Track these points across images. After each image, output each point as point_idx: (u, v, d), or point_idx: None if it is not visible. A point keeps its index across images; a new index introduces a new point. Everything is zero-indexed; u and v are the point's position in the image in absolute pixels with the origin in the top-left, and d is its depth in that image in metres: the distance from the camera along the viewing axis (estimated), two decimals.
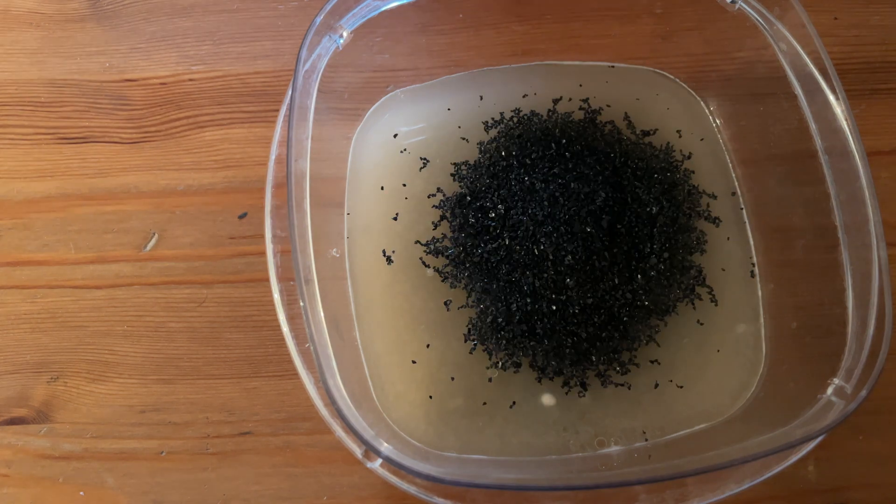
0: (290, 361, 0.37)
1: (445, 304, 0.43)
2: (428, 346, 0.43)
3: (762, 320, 0.44)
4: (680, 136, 0.47)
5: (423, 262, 0.44)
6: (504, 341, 0.42)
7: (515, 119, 0.47)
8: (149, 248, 0.47)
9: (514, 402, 0.42)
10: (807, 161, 0.40)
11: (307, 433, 0.43)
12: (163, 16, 0.50)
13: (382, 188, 0.46)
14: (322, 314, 0.36)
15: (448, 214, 0.44)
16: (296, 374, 0.37)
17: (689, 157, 0.47)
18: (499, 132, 0.46)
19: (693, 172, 0.46)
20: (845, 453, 0.43)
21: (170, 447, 0.44)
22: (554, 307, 0.41)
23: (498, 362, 0.42)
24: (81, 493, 0.43)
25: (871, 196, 0.37)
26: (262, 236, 0.40)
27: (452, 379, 0.42)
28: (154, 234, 0.47)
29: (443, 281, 0.43)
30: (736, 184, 0.46)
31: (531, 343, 0.41)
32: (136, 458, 0.43)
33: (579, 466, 0.40)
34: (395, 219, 0.45)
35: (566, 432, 0.42)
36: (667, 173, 0.45)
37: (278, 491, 0.43)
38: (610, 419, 0.42)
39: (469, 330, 0.43)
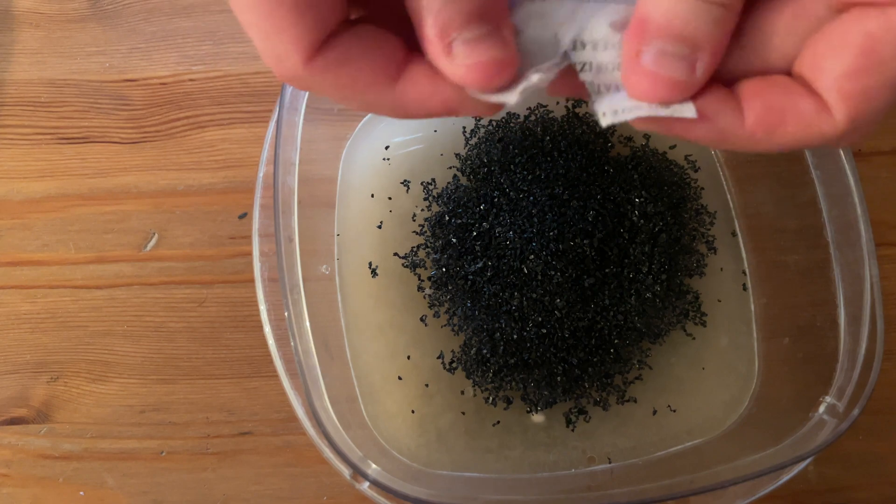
0: (291, 361, 0.37)
1: (421, 319, 0.43)
2: (408, 357, 0.42)
3: (755, 335, 0.44)
4: (673, 148, 0.46)
5: (419, 281, 0.43)
6: (491, 374, 0.41)
7: (494, 123, 0.45)
8: (149, 248, 0.47)
9: (504, 419, 0.42)
10: (798, 174, 0.40)
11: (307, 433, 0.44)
12: (163, 16, 0.50)
13: (372, 195, 0.45)
14: (310, 336, 0.36)
15: (429, 234, 0.44)
16: (295, 374, 0.37)
17: (697, 170, 0.46)
18: (478, 139, 0.45)
19: (703, 189, 0.45)
20: (845, 453, 0.43)
21: (170, 447, 0.44)
22: (544, 330, 0.40)
23: (488, 398, 0.42)
24: (81, 493, 0.43)
25: (862, 214, 0.37)
26: (263, 235, 0.40)
27: (429, 389, 0.42)
28: (154, 234, 0.47)
29: (429, 307, 0.43)
30: (728, 197, 0.46)
31: (520, 376, 0.41)
32: (136, 458, 0.43)
33: (570, 484, 0.40)
34: (380, 227, 0.44)
35: (556, 448, 0.41)
36: (676, 188, 0.44)
37: (278, 491, 0.43)
38: (601, 436, 0.41)
39: (452, 360, 0.42)
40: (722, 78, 0.20)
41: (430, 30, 0.19)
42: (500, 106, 0.21)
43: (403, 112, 0.21)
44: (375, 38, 0.20)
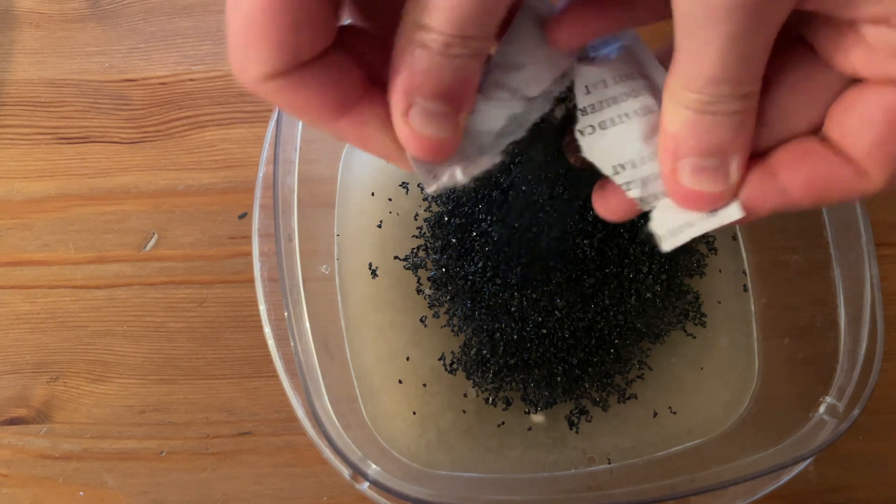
0: (291, 361, 0.37)
1: (421, 320, 0.43)
2: (408, 358, 0.42)
3: (755, 335, 0.44)
4: None
5: (418, 283, 0.43)
6: (491, 374, 0.41)
7: None
8: (149, 248, 0.47)
9: (504, 419, 0.42)
10: None
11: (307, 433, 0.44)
12: (163, 16, 0.50)
13: (373, 194, 0.45)
14: (310, 336, 0.36)
15: (428, 234, 0.44)
16: (295, 374, 0.37)
17: None
18: None
19: None
20: (845, 453, 0.43)
21: (170, 447, 0.44)
22: (544, 331, 0.40)
23: (488, 398, 0.42)
24: (81, 493, 0.43)
25: (862, 214, 0.37)
26: (263, 235, 0.40)
27: (429, 389, 0.42)
28: (154, 234, 0.47)
29: (429, 308, 0.43)
30: None
31: (520, 376, 0.41)
32: (136, 458, 0.43)
33: (570, 484, 0.40)
34: (380, 226, 0.44)
35: (556, 448, 0.41)
36: None
37: (278, 491, 0.43)
38: (601, 436, 0.41)
39: (453, 362, 0.42)
40: (759, 145, 0.21)
41: (401, 83, 0.19)
42: None
43: (340, 140, 0.21)
44: (339, 72, 0.20)
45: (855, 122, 0.20)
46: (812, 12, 0.19)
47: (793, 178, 0.21)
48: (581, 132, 0.22)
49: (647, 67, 0.22)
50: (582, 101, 0.22)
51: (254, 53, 0.18)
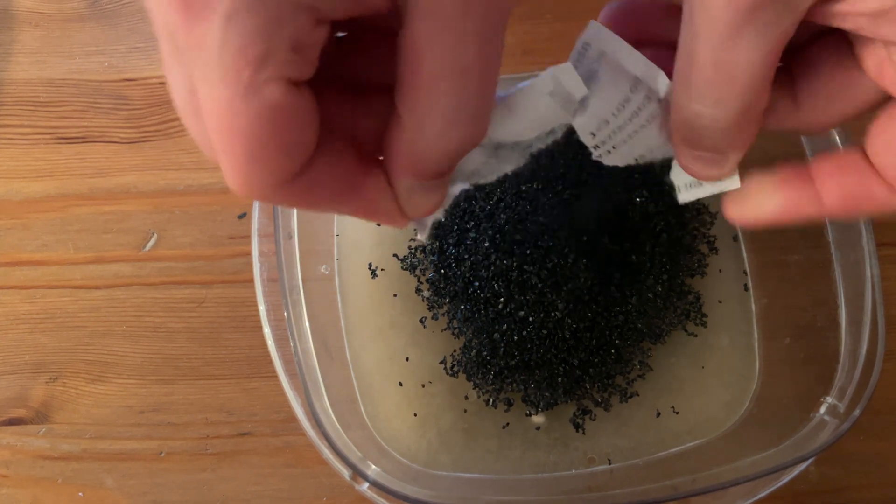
0: (291, 361, 0.37)
1: (421, 321, 0.43)
2: (407, 359, 0.42)
3: (756, 335, 0.43)
4: None
5: (418, 283, 0.43)
6: (491, 375, 0.41)
7: None
8: (148, 248, 0.47)
9: (505, 420, 0.41)
10: None
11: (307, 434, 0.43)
12: None
13: None
14: (310, 336, 0.36)
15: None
16: (295, 375, 0.36)
17: None
18: None
19: None
20: (845, 453, 0.43)
21: (169, 447, 0.43)
22: (544, 331, 0.40)
23: (489, 400, 0.42)
24: (80, 493, 0.43)
25: None
26: (262, 235, 0.40)
27: (429, 390, 0.42)
28: (153, 234, 0.47)
29: (429, 309, 0.43)
30: None
31: (521, 377, 0.41)
32: (136, 458, 0.43)
33: (570, 485, 0.40)
34: (379, 225, 0.44)
35: (557, 449, 0.41)
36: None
37: (278, 491, 0.43)
38: (601, 437, 0.41)
39: (453, 364, 0.42)
40: (792, 127, 0.23)
41: (405, 168, 0.19)
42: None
43: (344, 215, 0.22)
44: (339, 159, 0.19)
45: (886, 145, 0.20)
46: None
47: (829, 186, 0.22)
48: (599, 157, 0.23)
49: (627, 64, 0.22)
50: (590, 142, 0.23)
51: (264, 165, 0.17)
